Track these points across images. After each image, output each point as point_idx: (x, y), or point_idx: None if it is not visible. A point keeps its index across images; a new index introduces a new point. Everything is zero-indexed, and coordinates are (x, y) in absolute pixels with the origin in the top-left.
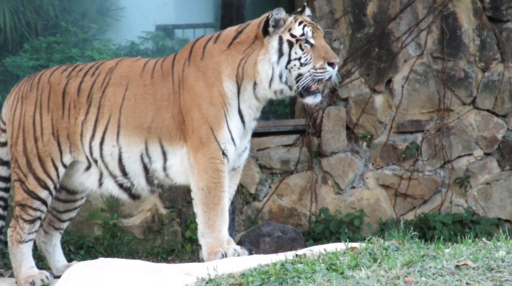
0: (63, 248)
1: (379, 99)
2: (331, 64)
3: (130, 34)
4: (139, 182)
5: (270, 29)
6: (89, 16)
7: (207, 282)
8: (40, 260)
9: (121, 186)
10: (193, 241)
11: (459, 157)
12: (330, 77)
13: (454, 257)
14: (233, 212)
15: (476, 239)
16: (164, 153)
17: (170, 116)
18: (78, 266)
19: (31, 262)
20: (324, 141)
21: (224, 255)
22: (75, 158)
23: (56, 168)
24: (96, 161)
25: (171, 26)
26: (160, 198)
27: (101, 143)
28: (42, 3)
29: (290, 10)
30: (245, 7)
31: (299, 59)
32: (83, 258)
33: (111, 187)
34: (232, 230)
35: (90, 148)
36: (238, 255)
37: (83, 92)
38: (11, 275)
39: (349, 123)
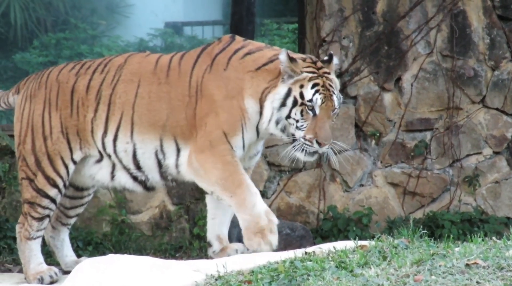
0: (72, 244)
1: (388, 97)
2: (319, 143)
3: (139, 31)
4: (153, 176)
5: (282, 70)
6: (98, 13)
7: (216, 279)
8: (49, 256)
9: (135, 178)
10: (201, 238)
11: (468, 155)
12: (317, 152)
13: (464, 255)
14: None
15: (486, 238)
16: (178, 150)
17: (184, 117)
18: (88, 262)
19: (40, 258)
20: (333, 139)
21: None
22: (86, 153)
23: (66, 166)
24: (109, 156)
25: (180, 23)
26: (168, 194)
27: (115, 140)
28: (51, 0)
29: (299, 7)
30: (255, 4)
31: (297, 121)
32: (91, 254)
33: (124, 180)
34: (239, 227)
35: (103, 144)
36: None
37: (92, 89)
38: (20, 271)
39: (358, 121)
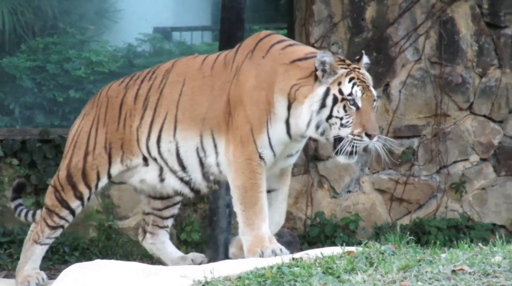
0: (57, 250)
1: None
2: (368, 135)
3: (128, 36)
4: (196, 176)
5: (319, 73)
6: (87, 18)
7: (203, 285)
8: (44, 263)
9: (181, 180)
10: (188, 244)
11: (455, 162)
12: (367, 146)
13: (450, 262)
14: (229, 215)
15: (472, 244)
16: (215, 147)
17: (220, 105)
18: (74, 268)
19: (37, 264)
20: (320, 145)
21: (262, 255)
22: (128, 165)
23: (99, 179)
24: (155, 159)
25: (169, 29)
26: None
27: (158, 141)
28: (40, 4)
29: (289, 13)
30: (245, 10)
31: (341, 119)
32: (78, 260)
33: (173, 182)
34: (228, 233)
35: (148, 148)
36: (276, 255)
37: (140, 98)
38: (5, 276)
39: None
